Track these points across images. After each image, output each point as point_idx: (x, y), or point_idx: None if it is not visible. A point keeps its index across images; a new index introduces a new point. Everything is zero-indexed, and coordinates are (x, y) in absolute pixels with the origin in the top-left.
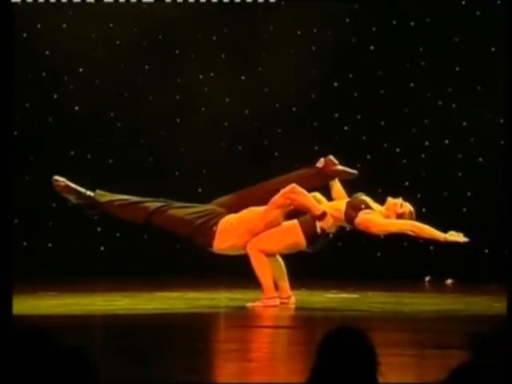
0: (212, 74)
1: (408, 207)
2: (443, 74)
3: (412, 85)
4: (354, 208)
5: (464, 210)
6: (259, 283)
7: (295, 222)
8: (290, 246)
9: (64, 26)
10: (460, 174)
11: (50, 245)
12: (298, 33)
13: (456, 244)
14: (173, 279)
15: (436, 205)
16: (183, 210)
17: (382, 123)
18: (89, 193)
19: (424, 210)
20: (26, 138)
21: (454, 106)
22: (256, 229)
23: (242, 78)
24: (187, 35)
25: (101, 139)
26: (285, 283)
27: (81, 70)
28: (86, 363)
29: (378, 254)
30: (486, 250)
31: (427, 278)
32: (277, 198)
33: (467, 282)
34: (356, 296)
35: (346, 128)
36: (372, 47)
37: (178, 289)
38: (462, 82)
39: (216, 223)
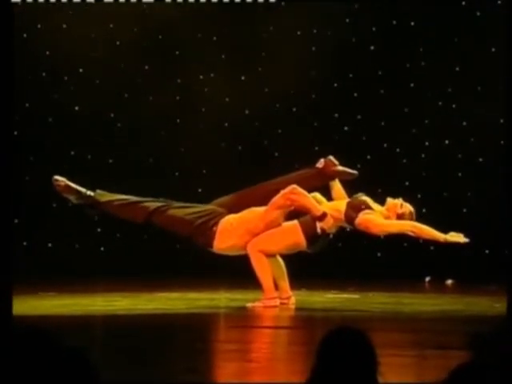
0: (212, 74)
1: (408, 208)
2: (443, 74)
3: (412, 85)
4: (354, 208)
5: (464, 210)
6: (259, 283)
7: (295, 222)
8: (290, 247)
9: (64, 26)
10: (460, 174)
11: (50, 245)
12: (298, 33)
13: (456, 244)
14: (173, 279)
15: (436, 205)
16: (183, 210)
17: (382, 123)
18: (89, 193)
19: (424, 210)
20: (26, 138)
21: (454, 106)
22: (256, 229)
23: (242, 78)
24: (187, 35)
25: (101, 139)
26: (285, 283)
27: (81, 70)
28: (86, 363)
29: (379, 255)
30: (486, 251)
31: (427, 279)
32: (277, 199)
33: (467, 282)
34: (356, 296)
35: (346, 128)
36: (372, 47)
37: (178, 289)
38: (462, 82)
39: (216, 223)
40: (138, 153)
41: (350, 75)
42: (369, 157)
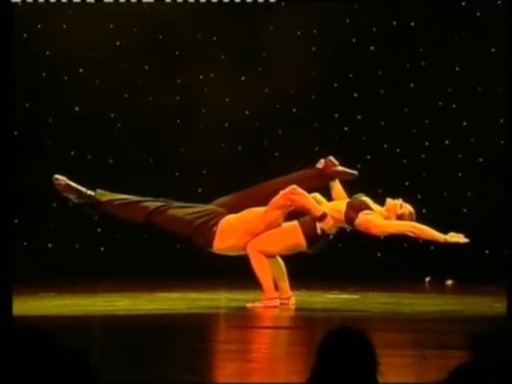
0: (212, 74)
1: (408, 208)
2: (443, 74)
3: (412, 85)
4: (354, 209)
5: (464, 210)
6: (259, 284)
7: (295, 223)
8: (290, 247)
9: (64, 26)
10: (460, 174)
11: (50, 245)
12: (298, 33)
13: (456, 245)
14: (173, 280)
15: (436, 205)
16: (183, 210)
17: (382, 123)
18: (89, 192)
19: (424, 210)
20: (26, 138)
21: (454, 106)
22: (256, 229)
23: (242, 78)
24: (187, 35)
25: (101, 139)
26: (285, 284)
27: (81, 70)
28: (86, 363)
29: (379, 255)
30: (487, 251)
31: (427, 279)
32: (277, 199)
33: (467, 282)
34: (356, 297)
35: (346, 128)
36: (372, 47)
37: (179, 289)
38: (462, 82)
39: (216, 223)
40: (137, 153)
41: (350, 75)
42: (369, 157)
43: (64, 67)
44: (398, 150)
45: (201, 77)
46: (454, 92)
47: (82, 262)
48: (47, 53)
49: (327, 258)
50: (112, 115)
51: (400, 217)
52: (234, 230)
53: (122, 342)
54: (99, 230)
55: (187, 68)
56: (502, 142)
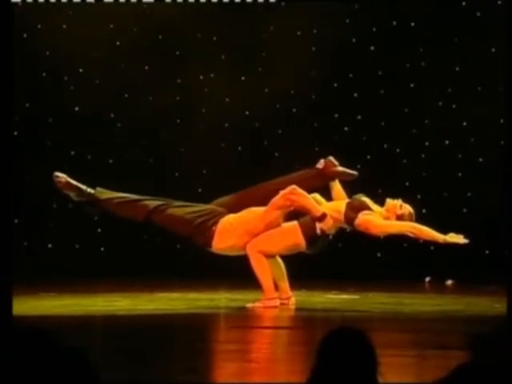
0: (212, 75)
1: (407, 208)
2: (443, 74)
3: (412, 85)
4: (353, 209)
5: (464, 210)
6: (259, 284)
7: (295, 223)
8: (290, 247)
9: (64, 26)
10: (460, 174)
11: (50, 245)
12: (298, 33)
13: (456, 245)
14: (173, 280)
15: (436, 205)
16: (183, 209)
17: (382, 123)
18: (89, 190)
19: (424, 210)
20: (26, 138)
21: (454, 106)
22: (256, 229)
23: (242, 78)
24: (187, 35)
25: (101, 139)
26: (285, 284)
27: (81, 70)
28: (86, 363)
29: (378, 255)
30: (486, 251)
31: (427, 279)
32: (277, 199)
33: (467, 282)
34: (356, 297)
35: (346, 128)
36: (372, 47)
37: (179, 289)
38: (462, 82)
39: (215, 223)
40: (137, 153)
41: (350, 75)
42: (369, 157)
43: (64, 67)
44: (398, 150)
45: (201, 77)
46: (454, 92)
47: (81, 262)
48: (47, 53)
49: (327, 258)
50: (112, 115)
51: (400, 217)
52: (234, 229)
53: (122, 342)
54: (99, 230)
55: (187, 68)
56: (502, 142)
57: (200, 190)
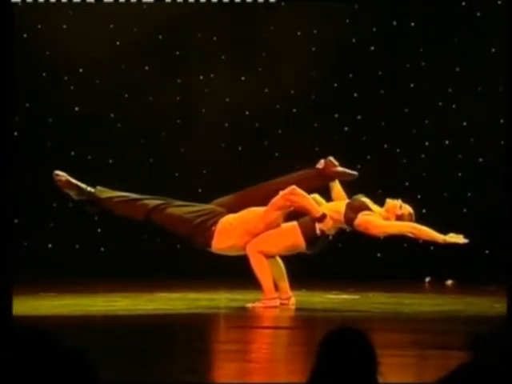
0: (212, 75)
1: (407, 209)
2: (443, 74)
3: (412, 85)
4: (353, 210)
5: (464, 210)
6: (259, 284)
7: (295, 223)
8: (290, 248)
9: (64, 26)
10: (460, 174)
11: (50, 245)
12: (298, 33)
13: (455, 245)
14: (173, 280)
15: (436, 205)
16: (182, 209)
17: (382, 124)
18: (89, 189)
19: (424, 210)
20: (26, 138)
21: (454, 106)
22: (255, 230)
23: (242, 78)
24: (187, 35)
25: (101, 139)
26: (285, 284)
27: (81, 70)
28: (85, 363)
29: (378, 255)
30: (486, 251)
31: (427, 279)
32: (277, 200)
33: (467, 282)
34: (356, 297)
35: (346, 129)
36: (372, 47)
37: (179, 289)
38: (462, 82)
39: (215, 223)
40: (137, 153)
41: (350, 75)
42: (369, 157)
43: (64, 67)
44: (398, 150)
45: (201, 77)
46: (454, 92)
47: (81, 262)
48: (47, 53)
49: (327, 259)
50: (112, 115)
51: (399, 217)
52: (234, 229)
53: (122, 342)
54: (99, 230)
55: (187, 68)
56: (502, 142)
57: (200, 190)
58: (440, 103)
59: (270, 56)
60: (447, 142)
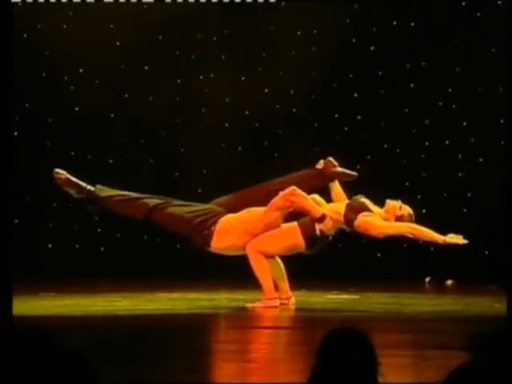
0: (212, 75)
1: (407, 209)
2: (443, 74)
3: (412, 85)
4: (353, 211)
5: (464, 210)
6: (259, 284)
7: (295, 224)
8: (289, 248)
9: (64, 26)
10: (460, 174)
11: (50, 245)
12: (298, 33)
13: (456, 245)
14: (173, 280)
15: (436, 205)
16: (182, 209)
17: (382, 124)
18: (89, 187)
19: (424, 210)
20: (26, 138)
21: (454, 106)
22: (255, 230)
23: (242, 78)
24: (187, 35)
25: (101, 139)
26: (285, 284)
27: (81, 70)
28: (85, 363)
29: (378, 255)
30: (486, 251)
31: (427, 279)
32: (276, 200)
33: (467, 282)
34: (356, 297)
35: (346, 129)
36: (372, 48)
37: (179, 289)
38: (462, 82)
39: (215, 222)
40: (137, 153)
41: (350, 75)
42: (369, 157)
43: (64, 67)
44: (398, 150)
45: (201, 77)
46: (454, 92)
47: (81, 262)
48: (47, 53)
49: (327, 259)
50: (112, 115)
51: (399, 218)
52: (233, 229)
53: (122, 342)
54: (99, 230)
55: (187, 68)
56: (502, 142)
57: (200, 190)
58: (440, 103)
59: (270, 56)
60: (447, 142)
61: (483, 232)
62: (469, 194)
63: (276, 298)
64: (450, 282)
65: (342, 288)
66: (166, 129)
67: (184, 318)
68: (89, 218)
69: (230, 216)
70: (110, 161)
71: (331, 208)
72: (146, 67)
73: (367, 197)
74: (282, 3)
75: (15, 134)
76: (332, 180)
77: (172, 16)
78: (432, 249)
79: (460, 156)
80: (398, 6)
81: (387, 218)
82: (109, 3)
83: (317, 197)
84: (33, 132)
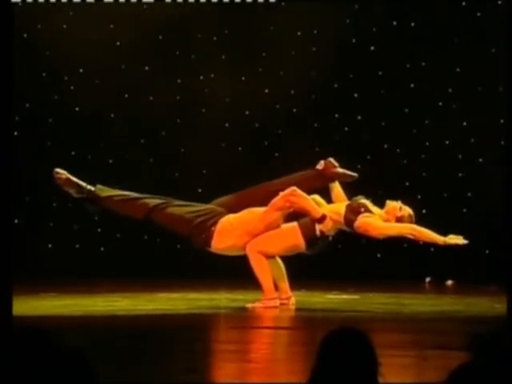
0: (212, 75)
1: (407, 210)
2: (443, 74)
3: (412, 85)
4: (353, 211)
5: (464, 210)
6: (259, 284)
7: (295, 224)
8: (289, 249)
9: (64, 26)
10: (460, 174)
11: (50, 245)
12: (298, 33)
13: (456, 246)
14: (173, 280)
15: (436, 205)
16: (182, 209)
17: (383, 124)
18: (89, 187)
19: (424, 210)
20: (26, 138)
21: (454, 106)
22: (255, 230)
23: (243, 78)
24: (187, 35)
25: (101, 139)
26: (285, 284)
27: (81, 70)
28: (85, 363)
29: (379, 255)
30: (487, 251)
31: (427, 279)
32: (277, 200)
33: (467, 282)
34: (356, 297)
35: (346, 129)
36: (372, 48)
37: (179, 289)
38: (462, 82)
39: (215, 223)
40: (137, 153)
41: (350, 76)
42: (369, 157)
43: (64, 67)
44: (398, 150)
45: (201, 77)
46: (454, 92)
47: (82, 262)
48: (47, 53)
49: (327, 259)
50: (112, 115)
51: (399, 219)
52: (234, 229)
53: (122, 342)
54: (99, 230)
55: (187, 68)
56: (502, 142)
57: (200, 190)
58: (440, 103)
59: (270, 56)
60: (447, 142)
61: (483, 232)
62: (469, 194)
63: (276, 298)
64: (450, 282)
65: (342, 288)
66: (166, 129)
67: (184, 318)
68: (89, 217)
69: (231, 216)
70: (110, 161)
71: (331, 209)
72: (146, 67)
73: (367, 197)
74: (282, 3)
75: (15, 133)
76: (332, 181)
77: (172, 16)
78: (432, 249)
79: (460, 156)
80: (397, 5)
81: (387, 219)
82: (109, 3)
83: (317, 197)
84: (33, 132)
